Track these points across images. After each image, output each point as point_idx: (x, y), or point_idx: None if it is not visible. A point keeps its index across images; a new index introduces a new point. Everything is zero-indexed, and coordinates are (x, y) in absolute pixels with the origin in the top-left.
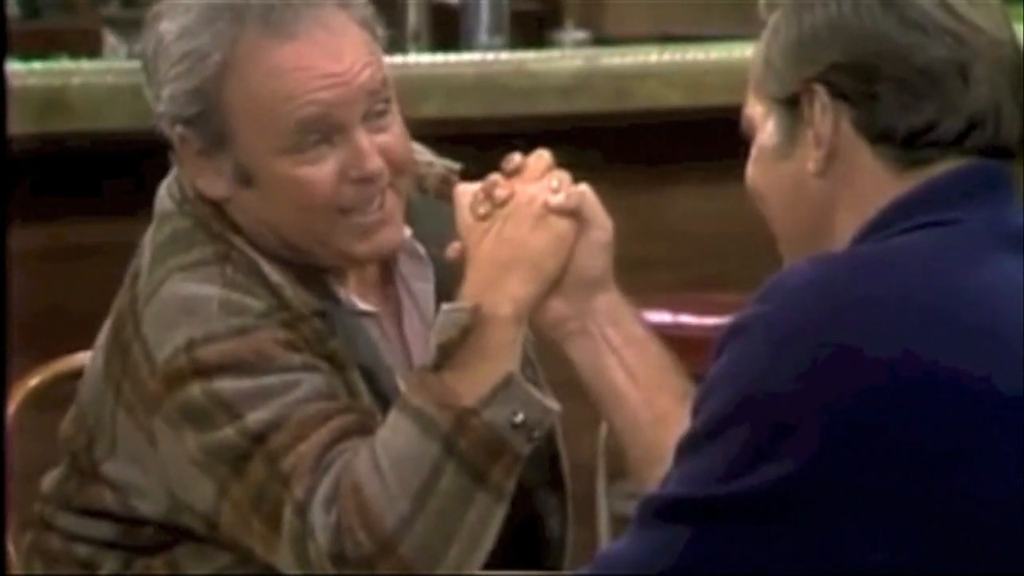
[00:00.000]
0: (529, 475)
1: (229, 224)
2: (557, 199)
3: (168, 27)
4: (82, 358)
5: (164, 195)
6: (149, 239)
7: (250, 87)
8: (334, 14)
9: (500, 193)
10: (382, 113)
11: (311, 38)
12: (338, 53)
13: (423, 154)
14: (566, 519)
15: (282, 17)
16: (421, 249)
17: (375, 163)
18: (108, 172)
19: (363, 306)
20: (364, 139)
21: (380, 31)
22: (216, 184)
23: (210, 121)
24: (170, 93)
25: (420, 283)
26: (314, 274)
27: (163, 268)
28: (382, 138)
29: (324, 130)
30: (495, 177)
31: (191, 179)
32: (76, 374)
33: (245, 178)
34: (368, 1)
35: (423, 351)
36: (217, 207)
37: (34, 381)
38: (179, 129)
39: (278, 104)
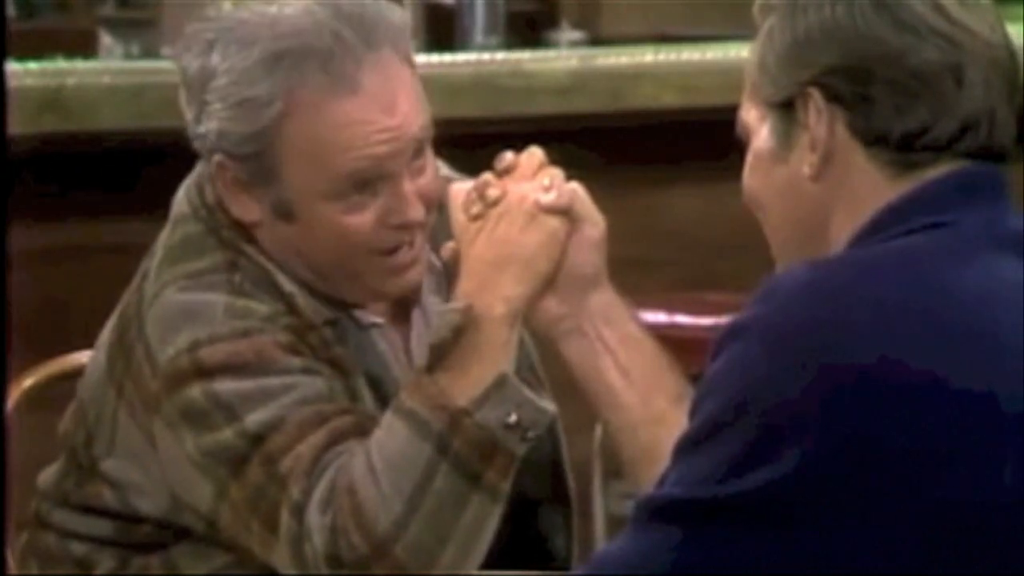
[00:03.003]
0: (533, 490)
1: (243, 233)
2: (548, 198)
3: (222, 65)
4: (80, 357)
5: (182, 198)
6: (162, 241)
7: (307, 135)
8: (389, 56)
9: (492, 193)
10: (421, 152)
11: (371, 90)
12: (393, 104)
13: (441, 168)
14: (571, 537)
15: (342, 67)
16: (438, 262)
17: (417, 212)
18: (104, 172)
19: (371, 317)
20: (409, 188)
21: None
22: (250, 210)
23: (260, 160)
24: (219, 129)
25: (434, 295)
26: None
27: (169, 273)
28: (420, 182)
29: (373, 180)
30: (487, 176)
31: (225, 200)
32: (73, 374)
33: (285, 213)
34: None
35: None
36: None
37: (30, 381)
38: (219, 158)
39: (334, 155)
